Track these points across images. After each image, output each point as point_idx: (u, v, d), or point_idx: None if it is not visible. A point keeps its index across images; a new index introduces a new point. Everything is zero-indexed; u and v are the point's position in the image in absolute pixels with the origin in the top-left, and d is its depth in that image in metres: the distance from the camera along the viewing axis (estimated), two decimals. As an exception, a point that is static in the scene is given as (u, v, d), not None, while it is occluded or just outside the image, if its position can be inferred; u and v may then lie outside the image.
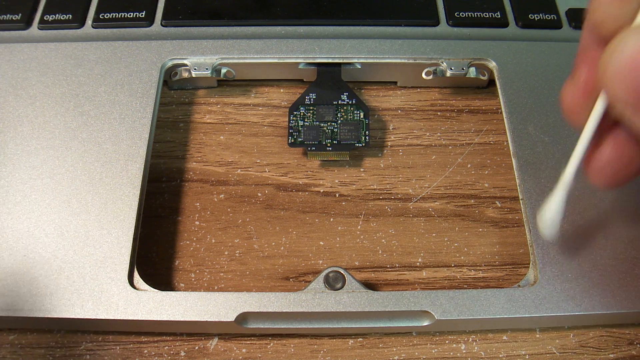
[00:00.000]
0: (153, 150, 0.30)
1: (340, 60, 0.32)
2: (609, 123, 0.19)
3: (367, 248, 0.28)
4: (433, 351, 0.26)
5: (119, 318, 0.24)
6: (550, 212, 0.21)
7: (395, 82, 0.34)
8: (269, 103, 0.33)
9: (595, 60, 0.18)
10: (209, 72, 0.31)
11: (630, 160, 0.19)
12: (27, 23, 0.33)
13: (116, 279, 0.25)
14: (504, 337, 0.26)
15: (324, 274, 0.25)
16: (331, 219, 0.29)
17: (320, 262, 0.28)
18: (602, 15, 0.18)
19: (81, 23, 0.33)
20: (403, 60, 0.32)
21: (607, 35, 0.18)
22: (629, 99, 0.17)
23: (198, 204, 0.30)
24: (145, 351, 0.26)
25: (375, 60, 0.32)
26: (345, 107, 0.31)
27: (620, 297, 0.25)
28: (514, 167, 0.28)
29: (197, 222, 0.29)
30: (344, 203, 0.30)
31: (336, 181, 0.30)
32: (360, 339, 0.26)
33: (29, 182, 0.27)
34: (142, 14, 0.33)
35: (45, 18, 0.33)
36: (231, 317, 0.24)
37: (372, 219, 0.29)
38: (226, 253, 0.28)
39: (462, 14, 0.33)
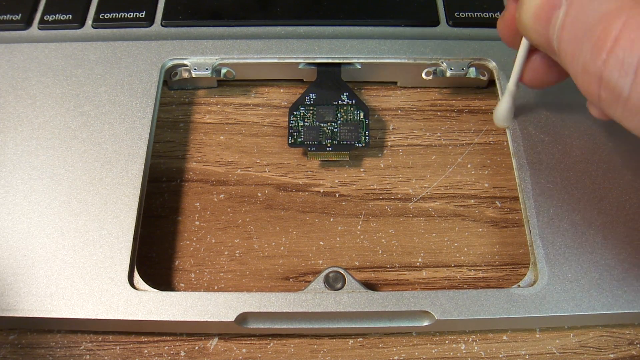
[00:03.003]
0: (153, 150, 0.30)
1: (340, 61, 0.32)
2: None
3: (367, 248, 0.28)
4: (433, 351, 0.26)
5: (119, 318, 0.24)
6: (502, 110, 0.27)
7: (395, 82, 0.34)
8: (269, 103, 0.33)
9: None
10: (209, 72, 0.31)
11: (551, 67, 0.25)
12: (27, 23, 0.33)
13: (116, 279, 0.25)
14: (504, 337, 0.26)
15: (324, 274, 0.25)
16: (331, 219, 0.29)
17: (320, 262, 0.28)
18: None
19: (81, 23, 0.33)
20: (403, 61, 0.32)
21: None
22: (539, 43, 0.22)
23: (198, 204, 0.30)
24: (145, 351, 0.26)
25: (375, 61, 0.32)
26: (345, 107, 0.31)
27: (620, 297, 0.25)
28: (514, 167, 0.28)
29: (197, 222, 0.29)
30: (344, 203, 0.30)
31: (336, 181, 0.30)
32: (360, 339, 0.26)
33: (28, 182, 0.27)
34: (142, 14, 0.33)
35: (45, 18, 0.33)
36: (231, 317, 0.24)
37: (372, 219, 0.29)
38: (226, 253, 0.28)
39: (462, 14, 0.33)
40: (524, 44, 0.25)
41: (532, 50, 0.25)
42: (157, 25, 0.33)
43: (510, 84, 0.27)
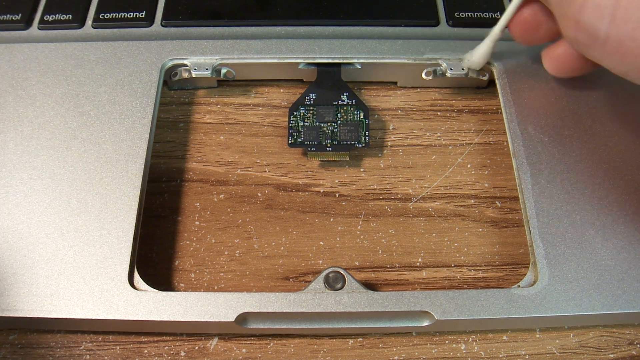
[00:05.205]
0: (153, 150, 0.30)
1: (340, 61, 0.32)
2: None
3: (367, 248, 0.28)
4: (433, 351, 0.26)
5: (119, 318, 0.24)
6: (479, 54, 0.30)
7: (395, 82, 0.34)
8: (269, 103, 0.33)
9: None
10: (209, 72, 0.31)
11: (540, 23, 0.27)
12: (27, 23, 0.33)
13: (116, 279, 0.25)
14: (504, 337, 0.26)
15: (324, 274, 0.25)
16: (331, 219, 0.29)
17: (320, 262, 0.28)
18: None
19: (81, 23, 0.33)
20: (403, 60, 0.32)
21: None
22: None
23: (198, 204, 0.30)
24: (145, 351, 0.26)
25: (375, 61, 0.32)
26: (345, 108, 0.31)
27: (620, 297, 0.25)
28: (514, 167, 0.28)
29: (197, 222, 0.29)
30: (344, 203, 0.30)
31: (336, 181, 0.30)
32: (360, 339, 0.26)
33: (29, 182, 0.27)
34: (142, 14, 0.33)
35: (45, 18, 0.33)
36: (231, 317, 0.24)
37: (372, 219, 0.29)
38: (226, 253, 0.28)
39: (462, 14, 0.33)
40: None
41: (525, 3, 0.26)
42: (157, 25, 0.33)
43: (496, 28, 0.28)
